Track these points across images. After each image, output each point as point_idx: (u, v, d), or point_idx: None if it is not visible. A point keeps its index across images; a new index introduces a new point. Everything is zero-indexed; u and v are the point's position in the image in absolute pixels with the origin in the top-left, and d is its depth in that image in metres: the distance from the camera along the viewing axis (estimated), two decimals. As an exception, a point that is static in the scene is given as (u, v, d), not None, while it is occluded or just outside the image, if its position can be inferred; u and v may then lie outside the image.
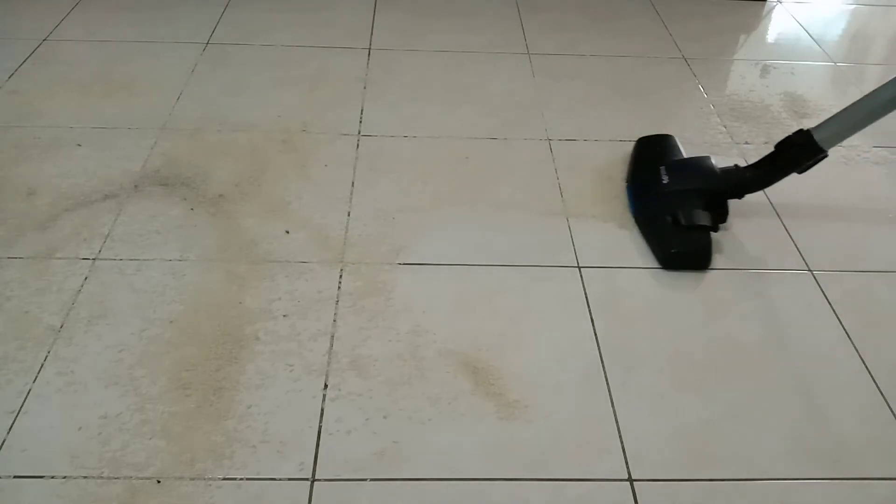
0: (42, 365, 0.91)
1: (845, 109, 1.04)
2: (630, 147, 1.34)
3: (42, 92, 1.41)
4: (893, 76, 0.99)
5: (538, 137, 1.35)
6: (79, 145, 1.27)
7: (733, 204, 1.16)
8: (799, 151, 1.08)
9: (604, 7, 1.82)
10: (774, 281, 1.09)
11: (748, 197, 1.16)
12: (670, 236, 1.08)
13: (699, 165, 1.17)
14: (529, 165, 1.28)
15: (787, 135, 1.10)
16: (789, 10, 1.88)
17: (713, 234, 1.10)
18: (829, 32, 1.80)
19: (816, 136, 1.06)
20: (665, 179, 1.14)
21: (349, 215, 1.15)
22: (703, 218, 1.08)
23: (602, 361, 0.95)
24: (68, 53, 1.53)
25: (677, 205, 1.10)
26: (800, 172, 1.10)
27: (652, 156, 1.24)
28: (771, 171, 1.11)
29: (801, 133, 1.08)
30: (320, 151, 1.29)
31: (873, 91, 1.02)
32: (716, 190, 1.12)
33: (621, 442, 0.86)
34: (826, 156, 1.07)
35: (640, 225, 1.14)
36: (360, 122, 1.37)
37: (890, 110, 1.00)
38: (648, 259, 1.11)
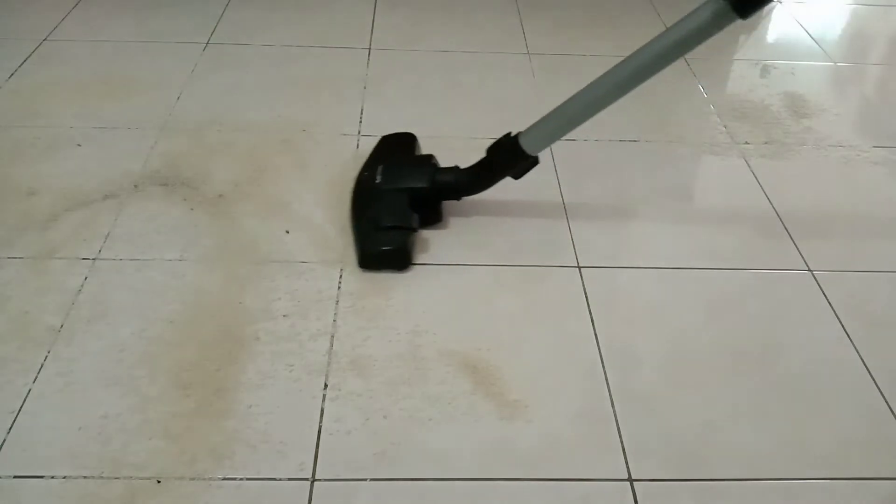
0: (42, 365, 0.91)
1: (550, 113, 1.01)
2: (630, 147, 1.34)
3: (42, 92, 1.41)
4: (598, 78, 0.96)
5: (538, 137, 1.35)
6: (79, 145, 1.27)
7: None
8: (506, 156, 1.05)
9: (604, 7, 1.82)
10: (774, 281, 1.09)
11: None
12: (370, 236, 1.06)
13: (415, 166, 1.14)
14: (529, 165, 1.28)
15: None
16: (789, 10, 1.88)
17: (420, 233, 1.09)
18: (829, 32, 1.80)
19: (521, 141, 1.03)
20: (378, 179, 1.12)
21: (350, 215, 1.15)
22: (405, 218, 1.06)
23: (602, 361, 0.95)
24: (68, 53, 1.53)
25: (383, 204, 1.08)
26: (515, 178, 1.07)
27: (380, 154, 1.22)
28: (483, 174, 1.09)
29: (507, 137, 1.05)
30: (320, 151, 1.29)
31: (577, 93, 0.98)
32: (427, 191, 1.09)
33: (621, 442, 0.86)
34: (536, 161, 1.04)
35: (352, 223, 1.12)
36: (360, 122, 1.37)
37: (594, 111, 0.98)
38: (648, 260, 1.11)
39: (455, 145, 1.32)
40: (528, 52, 1.62)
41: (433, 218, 1.13)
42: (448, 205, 1.15)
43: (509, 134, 1.05)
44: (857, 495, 0.82)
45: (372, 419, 0.86)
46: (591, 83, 0.96)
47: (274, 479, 0.80)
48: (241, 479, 0.80)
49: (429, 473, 0.82)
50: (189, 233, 1.11)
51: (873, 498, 0.82)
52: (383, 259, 1.05)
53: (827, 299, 1.06)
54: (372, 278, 1.05)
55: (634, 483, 0.82)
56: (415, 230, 1.08)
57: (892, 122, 1.47)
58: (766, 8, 1.88)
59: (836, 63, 1.66)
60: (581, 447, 0.85)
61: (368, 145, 1.31)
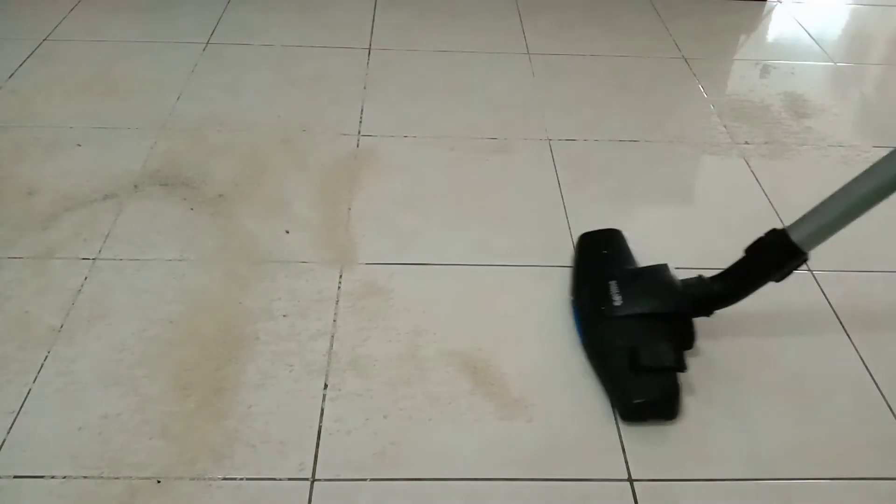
0: (42, 365, 0.91)
1: (825, 202, 0.85)
2: (630, 147, 1.34)
3: (42, 92, 1.41)
4: (877, 162, 0.81)
5: (538, 137, 1.35)
6: (79, 145, 1.27)
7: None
8: (774, 256, 0.87)
9: (604, 7, 1.82)
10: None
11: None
12: (629, 382, 0.88)
13: (657, 279, 0.96)
14: (529, 165, 1.28)
15: (760, 236, 0.90)
16: (789, 10, 1.88)
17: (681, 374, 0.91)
18: (829, 32, 1.80)
19: (794, 237, 0.85)
20: (617, 300, 0.93)
21: (349, 215, 1.15)
22: (669, 357, 0.88)
23: (602, 361, 0.95)
24: (68, 53, 1.53)
25: (635, 336, 0.90)
26: (777, 281, 0.89)
27: (599, 263, 1.04)
28: (743, 281, 0.91)
29: (774, 233, 0.87)
30: (320, 151, 1.29)
31: (856, 178, 0.83)
32: (679, 311, 0.92)
33: (621, 442, 0.86)
34: (807, 258, 0.87)
35: (592, 359, 0.94)
36: (360, 122, 1.37)
37: (880, 199, 0.81)
38: (648, 260, 1.11)
39: (455, 145, 1.32)
40: (528, 52, 1.62)
41: (687, 342, 0.93)
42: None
43: (774, 231, 0.87)
44: (857, 495, 0.82)
45: (372, 419, 0.86)
46: (880, 161, 0.81)
47: (274, 479, 0.80)
48: (241, 479, 0.80)
49: (429, 473, 0.81)
50: (189, 233, 1.11)
51: (873, 498, 0.82)
52: (653, 410, 0.88)
53: (827, 299, 1.06)
54: (372, 278, 1.05)
55: (634, 483, 0.82)
56: (683, 369, 0.89)
57: (892, 122, 1.47)
58: (766, 9, 1.88)
59: (836, 63, 1.66)
60: (581, 447, 0.85)
61: (368, 145, 1.31)
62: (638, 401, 0.87)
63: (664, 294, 0.93)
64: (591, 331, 0.95)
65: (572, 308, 1.00)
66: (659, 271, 0.97)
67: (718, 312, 0.93)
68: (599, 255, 1.05)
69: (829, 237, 0.85)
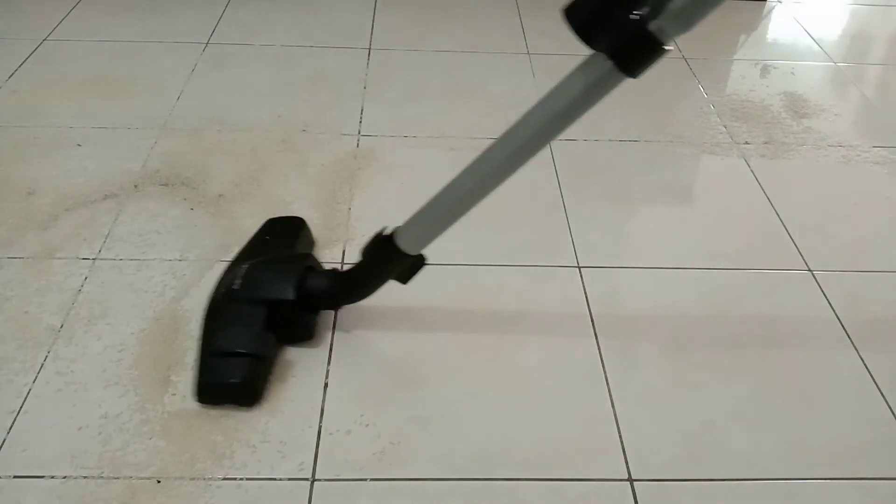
0: (42, 365, 0.91)
1: (427, 205, 0.83)
2: (630, 147, 1.34)
3: (42, 92, 1.41)
4: (474, 161, 0.80)
5: (538, 137, 1.35)
6: (79, 145, 1.27)
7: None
8: (380, 257, 0.88)
9: (604, 7, 1.82)
10: (774, 281, 1.09)
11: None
12: (205, 363, 0.88)
13: (282, 268, 0.94)
14: (529, 165, 1.28)
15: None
16: (789, 10, 1.88)
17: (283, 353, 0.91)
18: (829, 32, 1.80)
19: (398, 240, 0.85)
20: (236, 284, 0.92)
21: (349, 215, 1.15)
22: (251, 343, 0.87)
23: (602, 361, 0.95)
24: (68, 53, 1.53)
25: (228, 320, 0.90)
26: (403, 282, 0.89)
27: (253, 248, 1.03)
28: (361, 280, 0.92)
29: (380, 235, 0.87)
30: (320, 151, 1.29)
31: (454, 179, 0.81)
32: (290, 301, 0.90)
33: (621, 442, 0.86)
34: (420, 261, 0.87)
35: (201, 342, 0.92)
36: (360, 122, 1.37)
37: (476, 200, 0.81)
38: (648, 260, 1.11)
39: (455, 145, 1.32)
40: (528, 52, 1.62)
41: (300, 333, 0.94)
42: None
43: (380, 232, 0.87)
44: (857, 495, 0.82)
45: (372, 419, 0.86)
46: (468, 167, 0.80)
47: (274, 479, 0.80)
48: (241, 479, 0.80)
49: (429, 473, 0.81)
50: (189, 233, 1.11)
51: (873, 498, 0.82)
52: (224, 393, 0.86)
53: (827, 299, 1.06)
54: (372, 278, 1.05)
55: (634, 483, 0.82)
56: (261, 358, 0.88)
57: (892, 122, 1.47)
58: (766, 9, 1.88)
59: (836, 63, 1.66)
60: (581, 447, 0.85)
61: (368, 145, 1.31)
62: (200, 380, 0.87)
63: (279, 283, 0.92)
64: (206, 309, 0.95)
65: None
66: (290, 260, 0.96)
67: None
68: (262, 240, 1.05)
69: (430, 240, 0.85)
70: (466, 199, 0.81)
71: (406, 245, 0.85)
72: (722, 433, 0.87)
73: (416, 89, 1.48)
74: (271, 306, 0.90)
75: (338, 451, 0.83)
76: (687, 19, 0.64)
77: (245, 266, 0.95)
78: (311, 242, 1.08)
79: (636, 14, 0.63)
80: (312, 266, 0.95)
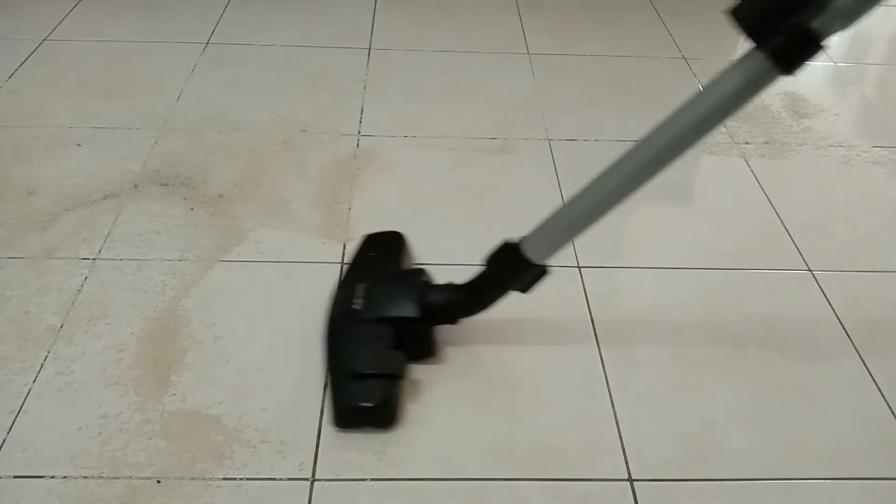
0: (42, 365, 0.91)
1: (559, 210, 0.83)
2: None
3: (42, 92, 1.41)
4: (616, 161, 0.79)
5: (538, 137, 1.35)
6: (79, 145, 1.27)
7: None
8: (506, 267, 0.86)
9: (604, 7, 1.82)
10: (774, 281, 1.09)
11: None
12: (342, 387, 0.86)
13: (402, 285, 0.93)
14: (529, 165, 1.29)
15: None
16: (789, 10, 1.88)
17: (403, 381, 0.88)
18: (829, 32, 1.80)
19: (525, 249, 0.84)
20: (357, 304, 0.91)
21: (349, 215, 1.15)
22: (384, 364, 0.86)
23: (602, 361, 0.95)
24: (68, 53, 1.53)
25: (360, 341, 0.89)
26: (523, 292, 0.88)
27: (361, 265, 1.02)
28: (483, 291, 0.90)
29: (506, 244, 0.86)
30: (320, 151, 1.29)
31: (592, 181, 0.80)
32: (412, 317, 0.89)
33: (621, 442, 0.86)
34: (544, 271, 0.86)
35: (326, 362, 0.91)
36: (360, 122, 1.37)
37: (616, 201, 0.79)
38: (648, 260, 1.11)
39: (455, 145, 1.32)
40: (528, 52, 1.62)
41: (424, 351, 0.93)
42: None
43: (507, 242, 0.87)
44: (857, 495, 0.82)
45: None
46: (609, 168, 0.79)
47: (274, 479, 0.80)
48: (241, 479, 0.80)
49: (429, 473, 0.81)
50: (189, 233, 1.11)
51: (873, 498, 0.82)
52: (361, 416, 0.85)
53: (827, 299, 1.06)
54: (372, 278, 1.05)
55: (634, 483, 0.82)
56: (401, 376, 0.88)
57: (892, 122, 1.47)
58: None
59: (835, 63, 1.66)
60: (581, 447, 0.85)
61: (368, 145, 1.31)
62: (344, 407, 0.85)
63: (401, 300, 0.91)
64: (328, 331, 0.93)
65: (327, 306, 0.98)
66: (407, 276, 0.95)
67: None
68: (366, 258, 1.03)
69: (560, 249, 0.83)
70: (604, 202, 0.79)
71: (534, 254, 0.83)
72: (722, 433, 0.87)
73: (416, 89, 1.48)
74: (398, 324, 0.89)
75: (338, 451, 0.83)
76: (849, 16, 0.65)
77: (362, 285, 0.94)
78: (411, 256, 1.06)
79: (803, 16, 0.64)
80: (427, 281, 0.94)
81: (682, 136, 0.74)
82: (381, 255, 1.03)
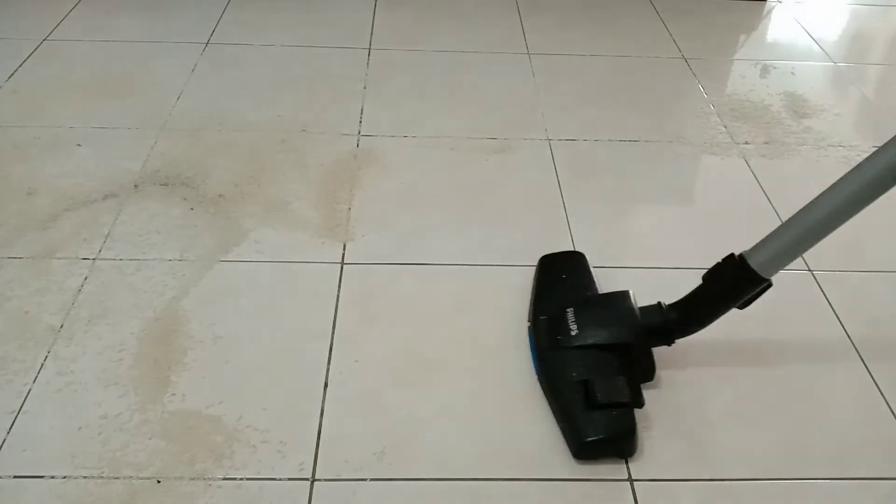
0: (42, 365, 0.91)
1: (784, 225, 0.80)
2: (630, 147, 1.34)
3: (42, 92, 1.41)
4: (834, 185, 0.76)
5: (538, 137, 1.35)
6: (79, 145, 1.27)
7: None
8: (732, 283, 0.83)
9: (604, 7, 1.82)
10: (774, 281, 1.08)
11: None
12: (582, 418, 0.83)
13: (615, 307, 0.91)
14: (529, 165, 1.29)
15: (735, 257, 0.84)
16: (789, 10, 1.88)
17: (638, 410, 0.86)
18: (829, 32, 1.80)
19: (753, 263, 0.81)
20: (573, 330, 0.88)
21: (349, 215, 1.15)
22: (625, 392, 0.84)
23: (602, 361, 0.95)
24: (68, 53, 1.53)
25: (590, 369, 0.86)
26: (741, 308, 0.85)
27: (558, 289, 0.99)
28: (702, 309, 0.87)
29: (732, 259, 0.83)
30: (320, 151, 1.29)
31: (814, 201, 0.78)
32: (636, 342, 0.88)
33: (621, 442, 0.86)
34: (769, 285, 0.83)
35: (546, 391, 0.89)
36: (360, 122, 1.37)
37: (838, 223, 0.77)
38: (648, 260, 1.11)
39: (455, 145, 1.32)
40: (528, 52, 1.62)
41: (646, 374, 0.90)
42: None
43: (732, 256, 0.83)
44: (857, 495, 0.82)
45: (372, 419, 0.86)
46: (838, 182, 0.76)
47: (274, 479, 0.80)
48: (241, 479, 0.80)
49: (429, 473, 0.81)
50: (189, 233, 1.11)
51: (873, 498, 0.82)
52: (607, 448, 0.83)
53: (827, 299, 1.06)
54: (372, 278, 1.05)
55: (634, 483, 0.82)
56: (640, 404, 0.85)
57: (892, 122, 1.47)
58: (766, 9, 1.88)
59: (836, 63, 1.66)
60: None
61: (368, 145, 1.31)
62: (590, 439, 0.82)
63: (621, 323, 0.88)
64: (545, 361, 0.90)
65: (529, 335, 0.95)
66: (618, 298, 0.92)
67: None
68: (559, 280, 1.00)
69: (790, 262, 0.81)
70: (835, 215, 0.76)
71: (762, 268, 0.80)
72: (722, 433, 0.87)
73: (416, 89, 1.48)
74: (621, 350, 0.87)
75: (338, 451, 0.83)
76: None
77: (570, 310, 0.91)
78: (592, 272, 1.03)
79: None
80: (636, 303, 0.91)
81: None
82: (572, 277, 1.01)
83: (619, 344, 0.87)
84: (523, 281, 1.06)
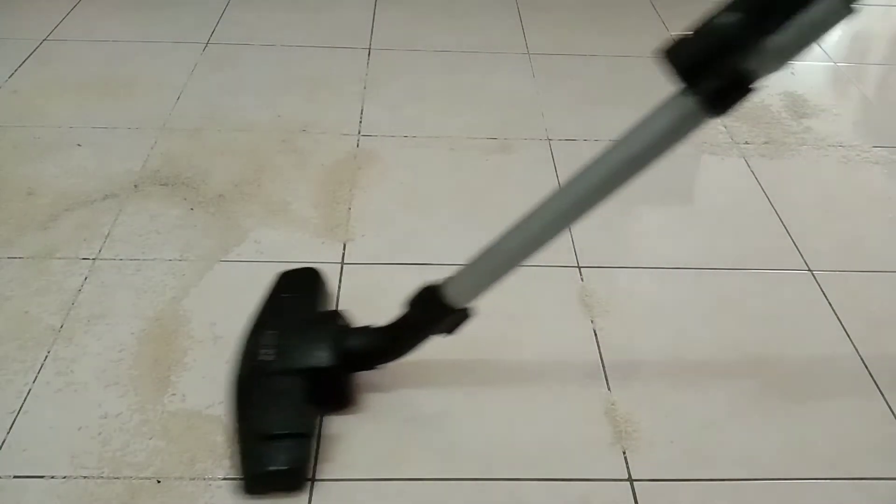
0: (42, 365, 0.91)
1: (480, 255, 0.80)
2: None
3: (42, 92, 1.41)
4: (534, 209, 0.77)
5: (538, 137, 1.35)
6: (79, 145, 1.27)
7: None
8: (428, 313, 0.82)
9: (604, 7, 1.82)
10: (774, 281, 1.09)
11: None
12: (249, 450, 0.80)
13: (316, 331, 0.87)
14: (529, 165, 1.29)
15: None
16: (789, 10, 1.88)
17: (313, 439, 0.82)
18: (829, 32, 1.79)
19: (445, 295, 0.80)
20: (267, 354, 0.84)
21: (349, 215, 1.15)
22: (292, 423, 0.80)
23: (602, 361, 0.95)
24: (68, 53, 1.53)
25: (267, 396, 0.82)
26: (448, 333, 0.84)
27: (272, 309, 0.93)
28: (402, 335, 0.85)
29: (427, 290, 0.82)
30: (320, 151, 1.29)
31: (512, 226, 0.78)
32: (327, 367, 0.83)
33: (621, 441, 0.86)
34: (467, 315, 0.82)
35: (236, 426, 0.83)
36: (360, 122, 1.37)
37: (535, 247, 0.77)
38: (648, 260, 1.11)
39: (455, 145, 1.32)
40: (528, 52, 1.62)
41: (339, 401, 0.87)
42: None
43: (428, 287, 0.82)
44: (857, 495, 0.82)
45: (372, 419, 0.86)
46: (528, 214, 0.77)
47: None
48: (241, 479, 0.80)
49: (429, 473, 0.81)
50: (189, 233, 1.11)
51: (873, 498, 0.82)
52: (271, 481, 0.79)
53: (827, 299, 1.06)
54: (372, 278, 1.05)
55: (634, 483, 0.82)
56: (310, 433, 0.81)
57: (892, 122, 1.47)
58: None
59: (835, 63, 1.66)
60: (581, 447, 0.85)
61: (368, 145, 1.31)
62: (252, 471, 0.78)
63: (315, 348, 0.84)
64: (235, 387, 0.86)
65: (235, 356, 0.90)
66: (321, 321, 0.89)
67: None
68: (278, 300, 0.95)
69: (480, 293, 0.80)
70: (527, 246, 0.76)
71: (456, 298, 0.80)
72: (722, 433, 0.87)
73: (416, 89, 1.48)
74: (311, 375, 0.83)
75: (338, 451, 0.83)
76: (784, 56, 0.63)
77: (271, 332, 0.87)
78: (328, 294, 1.00)
79: (738, 58, 0.62)
80: (344, 325, 0.89)
81: (608, 178, 0.71)
82: (294, 297, 0.96)
83: (309, 369, 0.83)
84: (523, 280, 1.05)
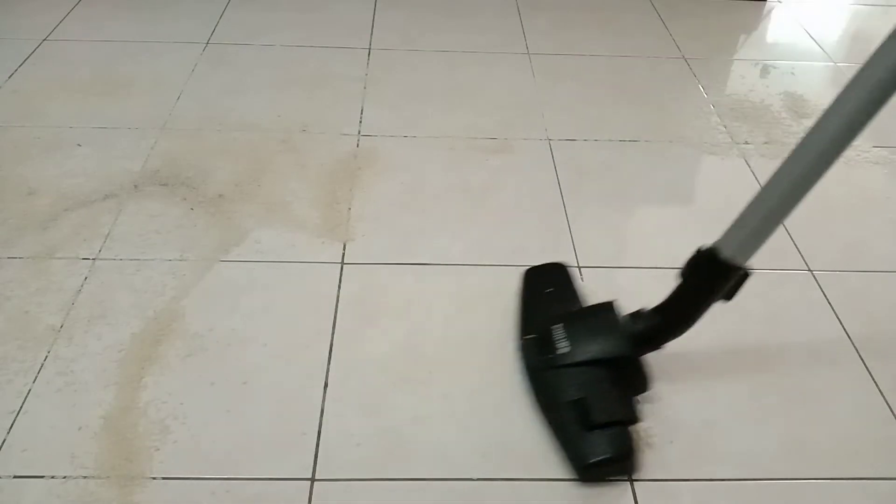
0: (42, 365, 0.91)
1: (745, 211, 0.78)
2: (630, 147, 1.34)
3: (42, 92, 1.41)
4: (783, 163, 0.76)
5: (538, 137, 1.35)
6: (79, 145, 1.27)
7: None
8: (707, 276, 0.80)
9: (604, 7, 1.82)
10: (774, 281, 1.09)
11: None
12: (581, 439, 0.82)
13: (602, 320, 0.89)
14: (529, 165, 1.29)
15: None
16: (789, 10, 1.88)
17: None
18: (829, 32, 1.80)
19: (722, 253, 0.78)
20: (562, 347, 0.87)
21: (349, 215, 1.15)
22: (620, 410, 0.83)
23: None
24: (68, 53, 1.53)
25: (583, 387, 0.84)
26: (726, 300, 0.82)
27: (542, 304, 0.97)
28: (684, 307, 0.84)
29: (701, 252, 0.80)
30: (320, 151, 1.29)
31: (769, 182, 0.77)
32: (627, 353, 0.86)
33: (621, 442, 0.86)
34: (747, 274, 0.79)
35: (542, 411, 0.88)
36: (360, 122, 1.37)
37: (797, 201, 0.75)
38: (648, 260, 1.11)
39: (455, 145, 1.32)
40: (528, 52, 1.62)
41: (641, 385, 0.88)
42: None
43: (700, 249, 0.80)
44: (857, 495, 0.82)
45: (372, 419, 0.86)
46: (791, 154, 0.76)
47: (274, 479, 0.80)
48: (240, 479, 0.80)
49: (429, 473, 0.82)
50: (189, 233, 1.11)
51: (873, 498, 0.82)
52: (610, 468, 0.82)
53: (827, 299, 1.06)
54: (372, 278, 1.05)
55: (634, 483, 0.82)
56: (635, 420, 0.84)
57: (892, 122, 1.47)
58: (766, 9, 1.88)
59: (836, 63, 1.66)
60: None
61: (368, 145, 1.31)
62: (592, 461, 0.81)
63: (610, 336, 0.86)
64: (538, 382, 0.89)
65: (520, 354, 0.94)
66: (603, 311, 0.90)
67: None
68: (544, 295, 0.98)
69: (759, 245, 0.77)
70: (799, 186, 0.74)
71: (735, 256, 0.77)
72: (722, 433, 0.87)
73: (416, 89, 1.48)
74: (613, 363, 0.85)
75: (338, 451, 0.83)
76: None
77: (558, 326, 0.89)
78: (580, 285, 1.02)
79: None
80: (620, 312, 0.89)
81: (868, 102, 0.68)
82: (557, 291, 0.99)
83: (610, 358, 0.85)
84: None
